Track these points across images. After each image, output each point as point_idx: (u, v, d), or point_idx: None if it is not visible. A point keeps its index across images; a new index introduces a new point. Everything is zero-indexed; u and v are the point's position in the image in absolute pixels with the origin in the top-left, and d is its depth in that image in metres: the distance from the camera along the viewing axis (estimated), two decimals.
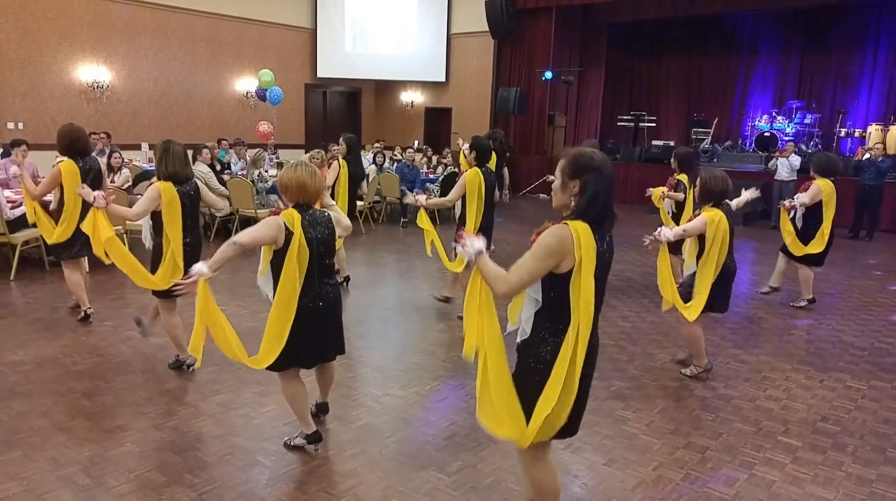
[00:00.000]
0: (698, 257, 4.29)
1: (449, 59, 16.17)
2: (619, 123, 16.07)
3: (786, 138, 13.49)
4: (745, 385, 4.37)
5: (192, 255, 4.12)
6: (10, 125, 11.09)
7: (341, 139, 6.67)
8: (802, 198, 5.86)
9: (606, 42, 16.32)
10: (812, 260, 6.10)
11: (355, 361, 4.60)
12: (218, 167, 9.36)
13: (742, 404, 4.07)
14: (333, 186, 6.45)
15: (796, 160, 10.89)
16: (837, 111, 13.98)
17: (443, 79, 16.28)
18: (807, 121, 13.92)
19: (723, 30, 15.66)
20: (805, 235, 6.00)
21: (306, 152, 10.60)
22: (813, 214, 5.92)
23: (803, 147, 13.14)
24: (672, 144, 14.05)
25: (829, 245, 6.00)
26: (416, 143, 14.86)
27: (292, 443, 3.37)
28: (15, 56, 11.14)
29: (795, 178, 10.92)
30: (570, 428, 2.41)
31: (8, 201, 6.48)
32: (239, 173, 9.59)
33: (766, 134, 13.98)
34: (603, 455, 3.41)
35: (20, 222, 6.47)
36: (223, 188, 8.75)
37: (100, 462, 3.16)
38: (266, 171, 9.46)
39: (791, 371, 4.65)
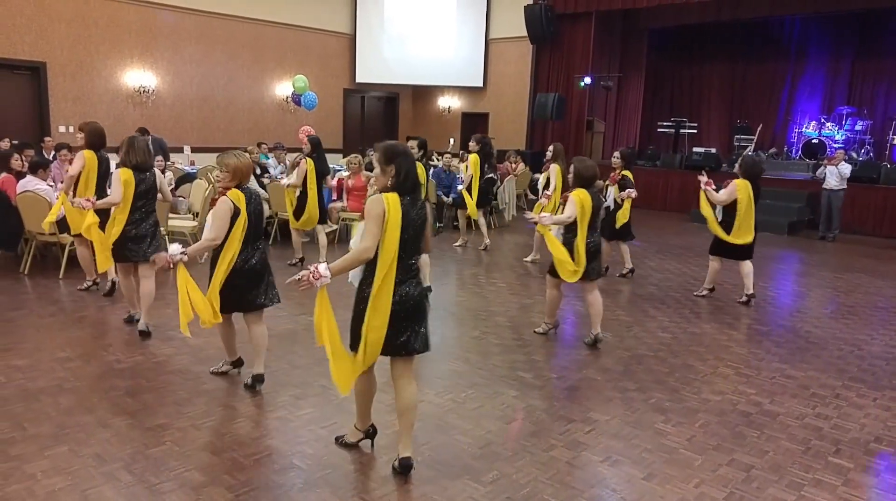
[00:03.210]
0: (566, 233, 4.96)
1: (487, 64, 16.15)
2: (659, 130, 15.82)
3: (835, 146, 13.08)
4: (792, 402, 4.22)
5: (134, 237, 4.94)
6: (62, 129, 11.47)
7: (306, 138, 7.25)
8: (720, 196, 6.29)
9: (647, 47, 16.09)
10: (743, 253, 6.39)
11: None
12: (258, 171, 9.50)
13: (789, 421, 3.93)
14: (304, 183, 7.13)
15: (846, 168, 10.54)
16: (890, 118, 13.51)
17: (480, 84, 16.27)
18: (858, 128, 13.48)
19: (769, 34, 15.28)
20: (726, 227, 6.35)
21: (344, 157, 10.72)
22: (731, 210, 6.29)
23: (854, 155, 12.72)
24: (714, 151, 13.77)
25: (753, 240, 6.42)
26: (451, 141, 14.85)
27: (219, 370, 4.30)
28: (67, 62, 11.53)
29: (845, 187, 10.57)
30: (390, 348, 3.07)
31: None
32: (278, 177, 9.71)
33: (813, 141, 13.59)
34: (642, 468, 3.33)
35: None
36: (263, 192, 8.87)
37: (141, 460, 3.21)
38: None
39: (842, 388, 4.47)
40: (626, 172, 7.16)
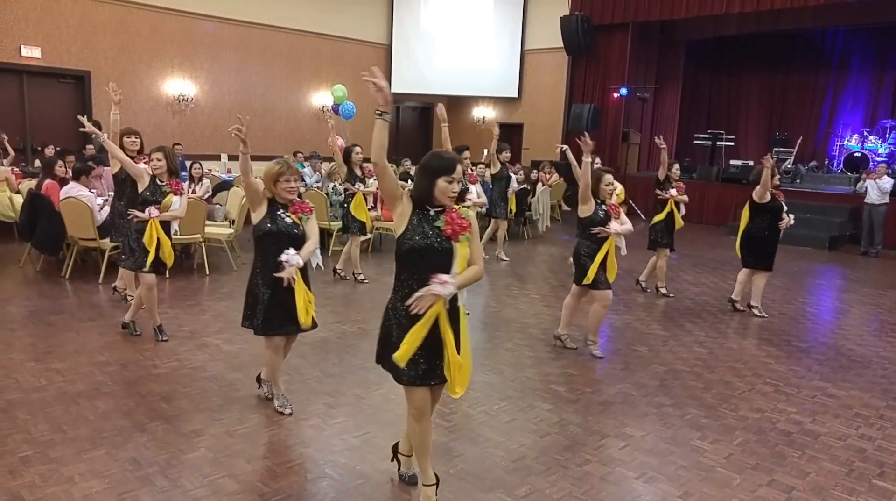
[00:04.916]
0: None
1: (522, 74, 16.14)
2: (695, 142, 15.60)
3: (878, 159, 12.73)
4: (834, 422, 4.08)
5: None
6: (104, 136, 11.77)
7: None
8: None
9: (684, 58, 15.93)
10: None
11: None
12: None
13: (831, 442, 3.81)
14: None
15: (887, 183, 10.26)
16: None
17: (515, 94, 16.25)
18: None
19: (809, 45, 14.98)
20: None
21: None
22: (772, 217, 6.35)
23: None
24: (751, 163, 13.52)
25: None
26: (485, 152, 14.83)
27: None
28: (111, 71, 11.85)
29: (887, 201, 10.28)
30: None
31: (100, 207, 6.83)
32: (314, 186, 9.82)
33: (856, 154, 13.25)
34: (678, 486, 3.25)
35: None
36: None
37: (176, 465, 3.25)
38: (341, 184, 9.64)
39: (886, 409, 4.31)
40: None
